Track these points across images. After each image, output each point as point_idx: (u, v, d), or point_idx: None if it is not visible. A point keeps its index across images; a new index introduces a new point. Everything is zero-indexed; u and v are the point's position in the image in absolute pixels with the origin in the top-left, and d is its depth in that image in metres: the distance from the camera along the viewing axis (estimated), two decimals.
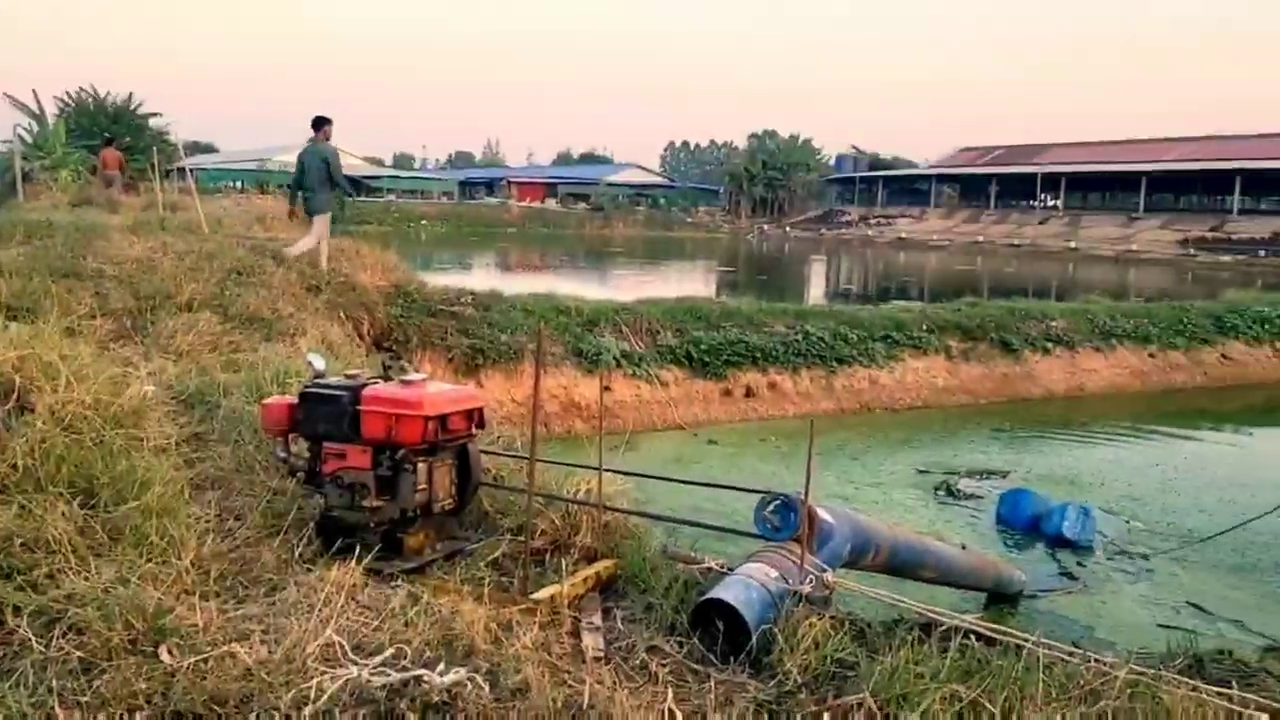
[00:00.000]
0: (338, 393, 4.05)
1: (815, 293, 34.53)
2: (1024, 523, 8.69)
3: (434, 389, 4.08)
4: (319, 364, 4.46)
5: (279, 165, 53.15)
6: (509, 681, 2.91)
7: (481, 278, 28.31)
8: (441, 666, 2.91)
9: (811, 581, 3.64)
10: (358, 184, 11.92)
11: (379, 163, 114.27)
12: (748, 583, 3.53)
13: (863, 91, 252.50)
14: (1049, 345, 15.91)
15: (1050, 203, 77.76)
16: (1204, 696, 3.05)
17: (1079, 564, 7.94)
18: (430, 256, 40.12)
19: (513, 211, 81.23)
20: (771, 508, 3.99)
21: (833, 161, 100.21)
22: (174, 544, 3.70)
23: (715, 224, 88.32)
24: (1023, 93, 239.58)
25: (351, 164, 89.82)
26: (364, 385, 4.09)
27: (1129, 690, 3.03)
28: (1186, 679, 3.25)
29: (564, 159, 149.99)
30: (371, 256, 13.42)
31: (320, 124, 12.20)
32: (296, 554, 3.94)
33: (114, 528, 3.72)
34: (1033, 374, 15.52)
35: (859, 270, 50.00)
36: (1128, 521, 9.01)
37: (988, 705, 2.86)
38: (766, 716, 2.94)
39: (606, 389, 12.24)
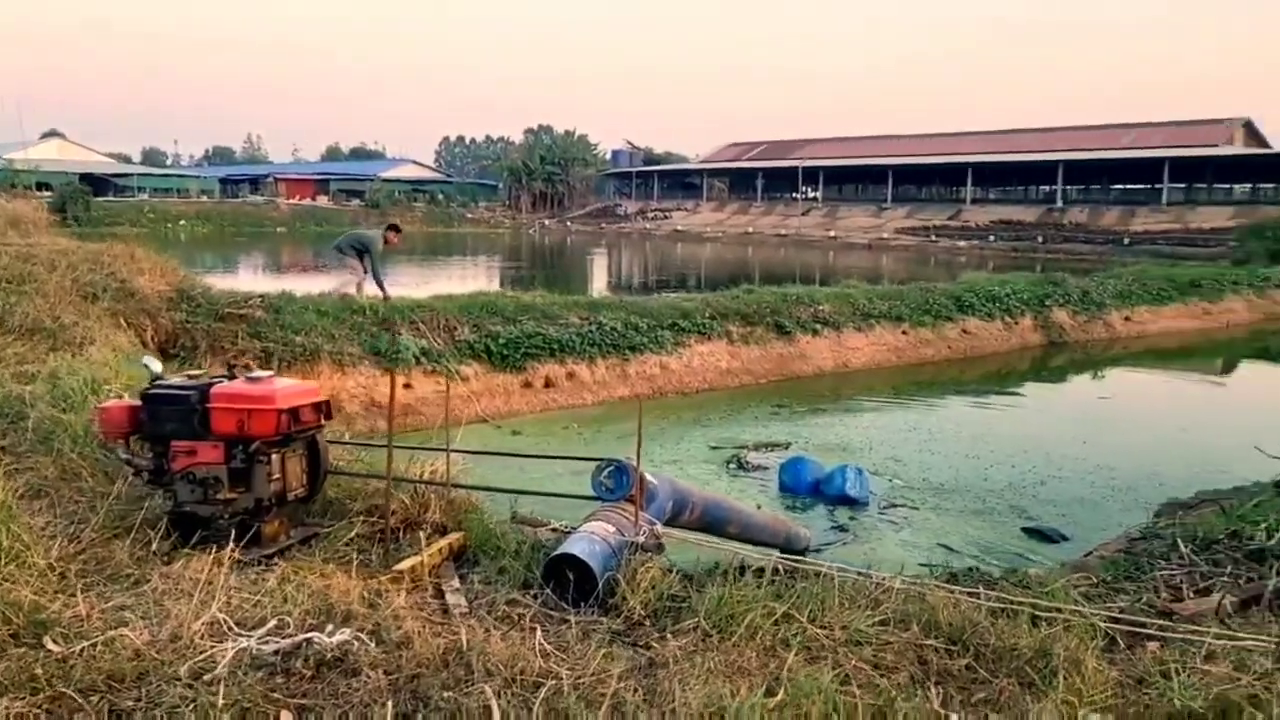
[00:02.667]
0: (185, 392, 4.18)
1: (599, 285, 35.45)
2: (805, 487, 9.64)
3: (282, 384, 4.29)
4: (156, 366, 4.55)
5: (30, 164, 47.79)
6: (392, 636, 3.26)
7: (249, 280, 27.20)
8: (330, 628, 3.21)
9: (645, 533, 4.17)
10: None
11: (125, 159, 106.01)
12: (591, 538, 4.02)
13: (633, 88, 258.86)
14: (818, 327, 17.37)
15: (811, 195, 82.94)
16: (958, 596, 3.83)
17: (851, 518, 8.98)
18: (193, 258, 37.82)
19: (281, 210, 77.58)
20: (606, 472, 4.50)
21: (609, 156, 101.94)
22: (24, 549, 3.75)
23: (496, 219, 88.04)
24: (783, 90, 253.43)
25: (94, 161, 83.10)
26: (210, 384, 4.24)
27: (903, 596, 3.77)
28: (946, 586, 4.06)
29: (334, 154, 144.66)
30: (148, 260, 12.80)
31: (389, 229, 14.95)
32: (152, 550, 4.06)
33: None
34: (805, 354, 16.90)
35: (640, 262, 51.59)
36: (890, 480, 10.21)
37: (797, 615, 3.49)
38: (620, 643, 3.44)
39: (407, 386, 12.38)
